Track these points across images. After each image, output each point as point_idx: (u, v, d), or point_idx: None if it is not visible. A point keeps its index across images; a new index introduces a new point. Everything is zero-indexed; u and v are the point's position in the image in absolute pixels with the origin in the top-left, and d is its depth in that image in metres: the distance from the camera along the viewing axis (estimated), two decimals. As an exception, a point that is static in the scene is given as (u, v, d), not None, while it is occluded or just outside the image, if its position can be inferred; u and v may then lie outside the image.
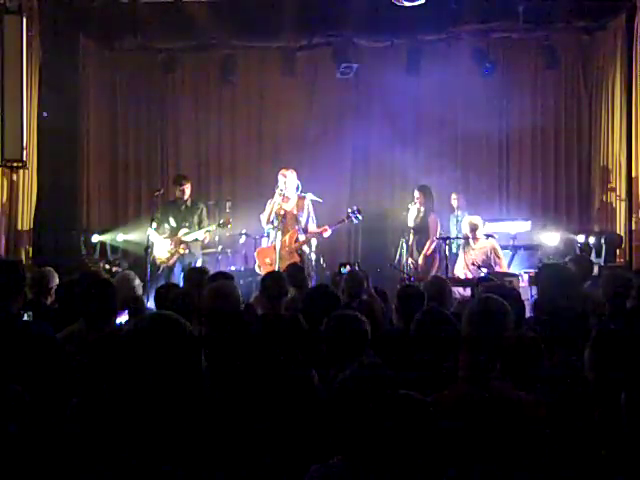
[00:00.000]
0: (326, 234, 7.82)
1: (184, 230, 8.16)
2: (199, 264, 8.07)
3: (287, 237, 7.77)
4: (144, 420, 1.72)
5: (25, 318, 4.09)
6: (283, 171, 7.95)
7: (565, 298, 3.81)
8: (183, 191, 8.32)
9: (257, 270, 7.83)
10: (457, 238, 8.29)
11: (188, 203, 8.36)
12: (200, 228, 8.21)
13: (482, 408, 2.50)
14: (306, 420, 1.97)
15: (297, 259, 7.56)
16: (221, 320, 3.31)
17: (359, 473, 1.94)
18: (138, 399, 1.73)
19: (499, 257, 7.98)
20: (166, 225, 8.20)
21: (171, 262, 8.16)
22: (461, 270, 8.02)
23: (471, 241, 7.97)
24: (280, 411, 1.95)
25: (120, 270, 8.27)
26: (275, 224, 7.75)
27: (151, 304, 6.50)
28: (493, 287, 4.04)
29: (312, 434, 2.00)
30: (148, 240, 7.77)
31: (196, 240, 8.22)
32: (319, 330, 3.37)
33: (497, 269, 7.78)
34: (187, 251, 8.16)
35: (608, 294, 4.45)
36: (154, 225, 7.94)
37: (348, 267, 5.55)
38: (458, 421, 2.45)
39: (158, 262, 8.09)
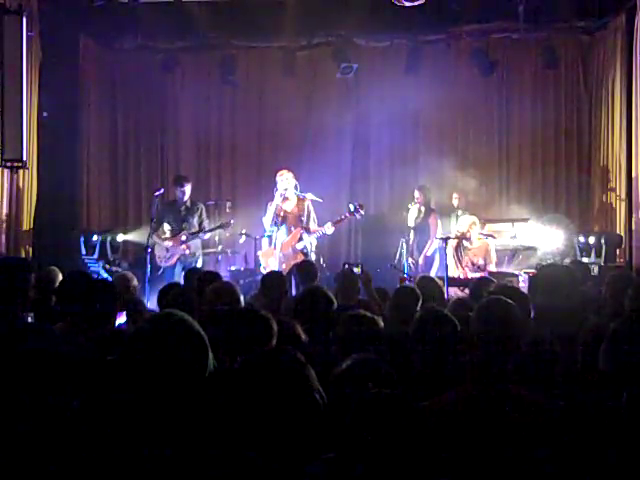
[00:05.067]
0: (329, 231, 7.81)
1: (185, 231, 8.23)
2: (199, 264, 8.12)
3: (290, 237, 7.78)
4: (148, 420, 1.72)
5: (29, 319, 4.09)
6: (280, 172, 7.97)
7: (565, 298, 3.80)
8: (184, 192, 8.37)
9: (263, 272, 7.83)
10: (457, 238, 8.26)
11: (188, 204, 8.40)
12: (201, 228, 8.24)
13: (490, 409, 2.49)
14: (304, 419, 1.98)
15: (300, 259, 7.57)
16: (221, 320, 3.31)
17: (352, 469, 1.95)
18: (143, 399, 1.73)
19: (492, 258, 7.95)
20: (166, 225, 8.23)
21: (172, 262, 8.20)
22: (454, 270, 7.98)
23: (467, 241, 7.93)
24: (278, 410, 1.95)
25: (120, 270, 8.27)
26: (276, 225, 7.76)
27: (151, 304, 6.53)
28: (501, 288, 4.04)
29: (309, 433, 2.01)
30: (148, 240, 7.79)
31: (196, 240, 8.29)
32: (313, 332, 3.38)
33: (488, 269, 7.76)
34: (188, 251, 8.20)
35: (612, 294, 4.45)
36: (154, 226, 7.98)
37: (346, 266, 5.50)
38: (465, 422, 2.44)
39: (159, 262, 8.13)
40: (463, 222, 7.97)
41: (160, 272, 8.13)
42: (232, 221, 8.25)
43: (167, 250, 8.19)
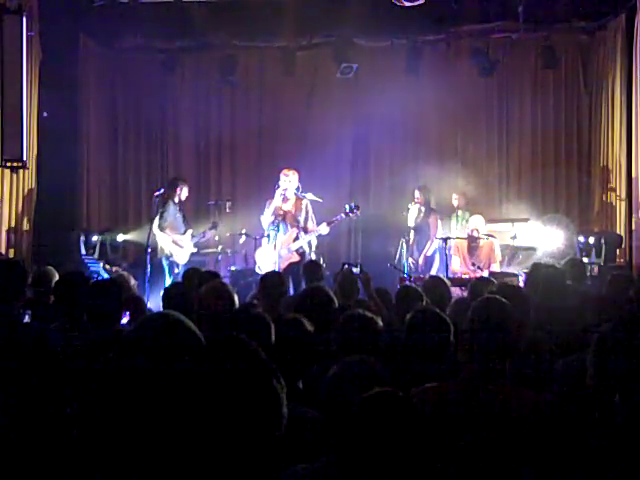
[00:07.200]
0: (324, 231, 7.81)
1: (190, 231, 8.39)
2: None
3: (286, 237, 7.77)
4: (144, 425, 1.71)
5: (26, 318, 4.09)
6: (285, 171, 7.93)
7: (559, 297, 3.81)
8: (185, 193, 8.56)
9: (257, 271, 7.84)
10: (458, 238, 8.27)
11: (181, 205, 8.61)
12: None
13: (481, 408, 2.49)
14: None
15: (297, 259, 7.57)
16: (215, 321, 3.31)
17: (351, 472, 1.94)
18: (139, 402, 1.72)
19: (496, 257, 7.97)
20: (167, 224, 8.30)
21: (186, 260, 8.42)
22: (459, 269, 7.99)
23: (475, 241, 7.96)
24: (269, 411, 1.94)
25: (120, 270, 8.29)
26: (275, 224, 7.77)
27: (151, 304, 6.55)
28: (501, 288, 4.04)
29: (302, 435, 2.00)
30: (148, 240, 7.79)
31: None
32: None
33: (490, 269, 7.78)
34: (196, 250, 8.44)
35: (613, 294, 4.46)
36: (163, 224, 8.14)
37: (346, 266, 5.48)
38: (454, 419, 2.44)
39: (178, 261, 8.30)
40: (476, 222, 7.99)
41: (177, 272, 8.26)
42: (218, 222, 8.46)
43: (182, 247, 8.36)
